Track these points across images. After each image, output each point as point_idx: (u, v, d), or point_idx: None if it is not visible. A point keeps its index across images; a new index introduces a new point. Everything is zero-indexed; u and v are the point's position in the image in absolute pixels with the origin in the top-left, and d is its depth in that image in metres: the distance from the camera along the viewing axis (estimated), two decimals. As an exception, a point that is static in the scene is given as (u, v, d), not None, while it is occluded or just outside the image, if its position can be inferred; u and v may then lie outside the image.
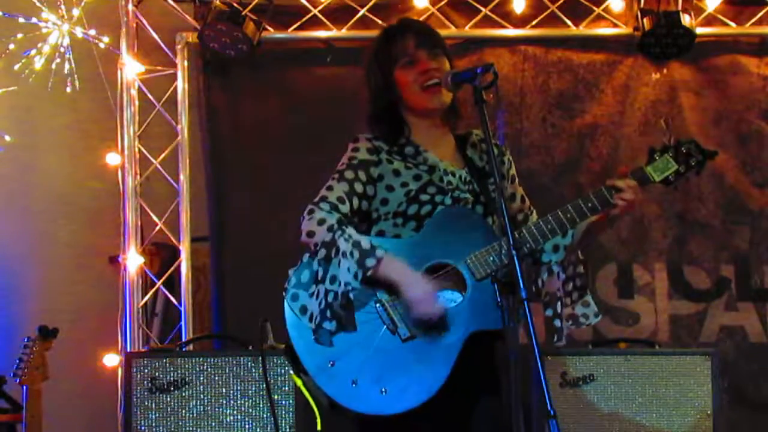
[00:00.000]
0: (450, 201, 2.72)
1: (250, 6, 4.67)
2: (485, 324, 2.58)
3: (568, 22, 4.84)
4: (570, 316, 2.81)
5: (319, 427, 2.82)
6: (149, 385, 3.80)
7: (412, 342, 2.57)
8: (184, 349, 4.24)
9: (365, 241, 2.59)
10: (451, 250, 2.63)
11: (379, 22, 4.76)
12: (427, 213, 2.70)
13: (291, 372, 2.69)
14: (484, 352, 2.64)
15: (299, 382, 2.66)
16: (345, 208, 2.69)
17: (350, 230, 2.62)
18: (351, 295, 2.56)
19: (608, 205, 2.68)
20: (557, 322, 2.78)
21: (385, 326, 2.59)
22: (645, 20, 4.65)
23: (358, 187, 2.72)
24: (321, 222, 2.63)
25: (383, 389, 2.55)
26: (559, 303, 2.77)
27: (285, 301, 2.64)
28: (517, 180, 2.94)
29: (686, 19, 4.62)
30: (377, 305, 2.60)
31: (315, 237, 2.63)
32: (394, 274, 2.57)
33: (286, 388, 3.75)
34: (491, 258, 2.61)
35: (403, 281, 2.57)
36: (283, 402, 3.74)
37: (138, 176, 4.73)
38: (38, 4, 4.53)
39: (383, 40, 2.86)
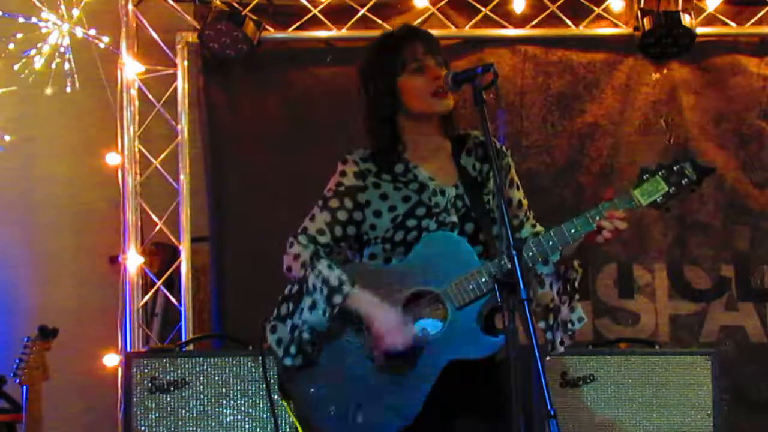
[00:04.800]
0: (435, 225, 2.69)
1: (250, 6, 4.67)
2: (463, 353, 2.58)
3: (568, 22, 4.84)
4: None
5: None
6: (149, 385, 3.80)
7: (388, 371, 2.58)
8: (184, 349, 4.24)
9: (333, 278, 2.60)
10: (434, 276, 2.63)
11: (379, 22, 4.77)
12: (414, 239, 2.69)
13: (279, 396, 2.74)
14: (465, 378, 2.62)
15: (287, 406, 2.71)
16: (325, 238, 2.69)
17: (321, 264, 2.63)
18: (305, 333, 2.59)
19: (591, 230, 2.63)
20: (549, 335, 2.75)
21: (362, 354, 2.61)
22: (645, 20, 4.65)
23: (342, 215, 2.71)
24: (296, 257, 2.67)
25: (359, 417, 2.58)
26: (551, 315, 2.75)
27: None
28: (516, 183, 2.90)
29: (686, 19, 4.62)
30: (356, 332, 2.62)
31: (292, 272, 2.68)
32: (362, 309, 2.59)
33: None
34: (471, 286, 2.59)
35: (370, 315, 2.58)
36: (295, 424, 3.74)
37: (138, 176, 4.73)
38: (38, 4, 4.53)
39: (387, 45, 2.80)
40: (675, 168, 2.66)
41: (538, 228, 2.87)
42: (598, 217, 2.62)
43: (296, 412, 2.68)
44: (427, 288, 2.63)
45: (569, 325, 2.78)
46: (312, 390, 2.62)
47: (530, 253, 2.62)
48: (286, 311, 2.66)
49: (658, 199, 2.64)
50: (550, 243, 2.62)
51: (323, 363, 2.62)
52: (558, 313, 2.75)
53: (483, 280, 2.58)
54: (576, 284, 2.78)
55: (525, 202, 2.91)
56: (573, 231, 2.63)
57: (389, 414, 2.56)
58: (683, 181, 2.66)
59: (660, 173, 2.65)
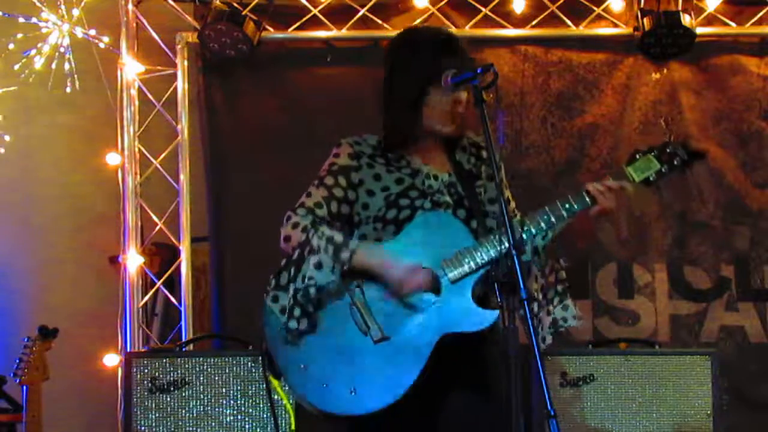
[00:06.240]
0: (429, 205, 2.71)
1: (250, 6, 4.67)
2: (457, 327, 2.59)
3: (568, 22, 4.84)
4: (551, 321, 2.80)
5: (293, 427, 2.85)
6: (149, 385, 3.80)
7: (383, 344, 2.59)
8: (184, 349, 4.24)
9: (338, 236, 2.61)
10: (428, 253, 2.64)
11: (379, 22, 4.77)
12: (406, 217, 2.70)
13: (268, 373, 2.72)
14: (458, 354, 2.63)
15: (276, 383, 2.70)
16: (322, 211, 2.70)
17: (324, 227, 2.64)
18: (331, 287, 2.59)
19: (585, 206, 2.68)
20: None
21: (357, 327, 2.61)
22: (645, 20, 4.66)
23: (338, 192, 2.73)
24: (295, 225, 2.67)
25: (353, 390, 2.57)
26: (536, 304, 2.76)
27: (265, 302, 2.66)
28: (505, 183, 2.89)
29: (686, 19, 4.62)
30: (351, 306, 2.62)
31: (291, 241, 2.66)
32: (370, 262, 2.60)
33: (286, 388, 3.75)
34: (466, 260, 2.62)
35: (379, 266, 2.59)
36: (283, 402, 3.74)
37: (138, 176, 4.73)
38: (38, 4, 4.53)
39: (429, 49, 2.75)
40: (668, 149, 2.75)
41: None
42: (591, 193, 2.68)
43: (286, 388, 2.68)
44: (422, 263, 2.63)
45: (561, 322, 2.79)
46: (302, 366, 2.61)
47: (526, 228, 2.65)
48: (287, 279, 2.64)
49: (650, 177, 2.72)
50: (545, 217, 2.66)
51: (315, 338, 2.62)
52: (547, 309, 2.77)
53: (478, 254, 2.61)
54: (566, 283, 2.81)
55: (513, 201, 2.94)
56: (568, 206, 2.68)
57: (382, 389, 2.56)
58: (675, 161, 2.74)
59: (653, 153, 2.74)
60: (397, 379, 2.56)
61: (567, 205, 2.68)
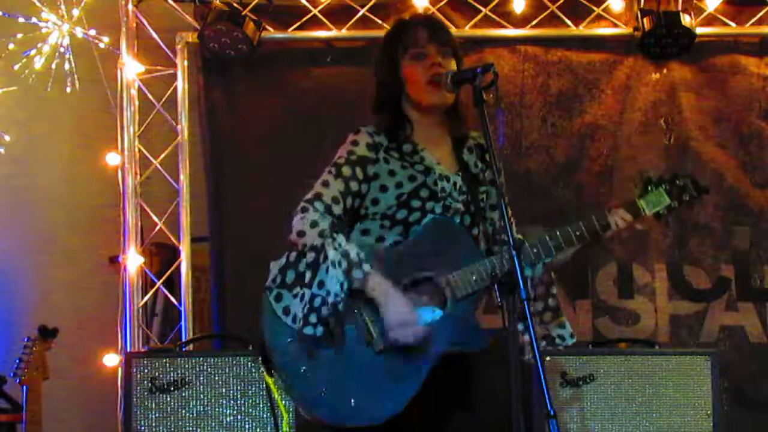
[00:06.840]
0: (440, 209, 2.69)
1: (250, 6, 4.67)
2: (459, 346, 2.59)
3: (568, 22, 4.84)
4: (545, 336, 2.80)
5: (286, 428, 2.83)
6: (149, 385, 3.80)
7: (384, 355, 2.56)
8: (184, 349, 4.25)
9: (353, 253, 2.56)
10: (435, 263, 2.62)
11: (379, 22, 4.77)
12: (415, 220, 2.68)
13: (263, 371, 2.67)
14: (457, 372, 2.62)
15: (270, 381, 2.66)
16: (338, 209, 2.66)
17: (340, 238, 2.59)
18: (340, 307, 2.54)
19: (595, 235, 2.70)
20: (527, 337, 2.77)
21: (361, 337, 2.58)
22: (645, 20, 4.66)
23: (354, 186, 2.69)
24: (313, 225, 2.61)
25: (351, 401, 2.53)
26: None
27: (265, 298, 2.60)
28: (504, 187, 2.92)
29: (686, 19, 4.62)
30: (356, 314, 2.58)
31: (305, 238, 2.60)
32: (377, 293, 2.55)
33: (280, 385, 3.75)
34: (474, 278, 2.60)
35: (383, 303, 2.55)
36: (283, 402, 3.73)
37: (138, 176, 4.73)
38: (38, 4, 4.54)
39: (395, 30, 2.83)
40: (677, 182, 2.80)
41: (519, 235, 2.89)
42: (603, 221, 2.70)
43: (282, 389, 2.64)
44: (429, 275, 2.63)
45: (558, 340, 2.80)
46: (303, 369, 2.56)
47: (534, 251, 2.65)
48: (295, 279, 2.58)
49: (661, 211, 2.79)
50: (554, 243, 2.65)
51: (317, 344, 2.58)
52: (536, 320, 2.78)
53: (485, 274, 2.60)
54: (557, 299, 2.83)
55: (509, 208, 2.93)
56: (578, 233, 2.67)
57: (381, 400, 2.53)
58: (684, 196, 2.81)
59: (664, 186, 2.79)
60: (396, 393, 2.54)
61: (578, 233, 2.69)
